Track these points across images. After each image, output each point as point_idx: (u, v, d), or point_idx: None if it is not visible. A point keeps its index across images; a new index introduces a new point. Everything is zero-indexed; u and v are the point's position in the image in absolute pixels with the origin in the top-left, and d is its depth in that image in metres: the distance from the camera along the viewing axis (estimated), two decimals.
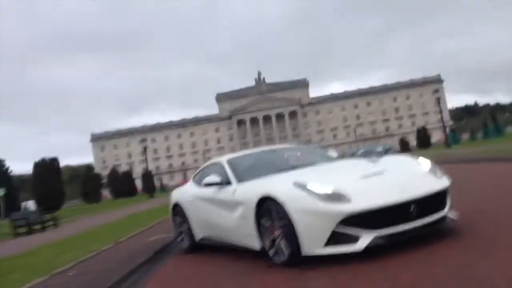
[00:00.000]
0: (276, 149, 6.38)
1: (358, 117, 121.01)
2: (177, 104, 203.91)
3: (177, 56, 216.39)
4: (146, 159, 44.71)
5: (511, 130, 72.65)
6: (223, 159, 5.72)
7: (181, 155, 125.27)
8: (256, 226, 4.38)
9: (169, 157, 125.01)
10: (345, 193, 3.91)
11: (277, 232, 4.12)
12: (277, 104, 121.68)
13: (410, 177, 4.30)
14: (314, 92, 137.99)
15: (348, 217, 3.76)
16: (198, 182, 6.00)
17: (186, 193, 6.17)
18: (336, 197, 3.89)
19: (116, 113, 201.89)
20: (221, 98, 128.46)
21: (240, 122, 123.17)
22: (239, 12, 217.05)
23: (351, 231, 3.78)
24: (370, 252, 3.75)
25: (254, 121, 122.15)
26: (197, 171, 6.46)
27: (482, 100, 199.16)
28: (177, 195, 6.45)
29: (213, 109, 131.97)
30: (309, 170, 4.99)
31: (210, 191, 5.37)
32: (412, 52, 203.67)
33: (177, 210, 6.25)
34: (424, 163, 4.65)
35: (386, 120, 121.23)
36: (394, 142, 79.12)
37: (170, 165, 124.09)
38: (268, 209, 4.22)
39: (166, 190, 57.07)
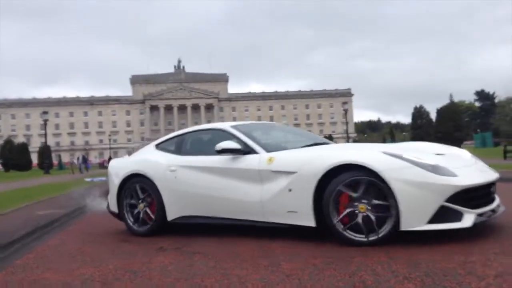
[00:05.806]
0: (272, 124, 5.98)
1: (271, 118, 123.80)
2: (92, 82, 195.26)
3: (102, 33, 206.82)
4: (45, 133, 41.86)
5: None
6: (225, 125, 4.92)
7: (86, 133, 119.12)
8: (313, 200, 3.84)
9: (71, 134, 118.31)
10: (448, 167, 3.60)
11: (362, 206, 3.62)
12: (195, 94, 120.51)
13: (474, 161, 4.17)
14: (233, 89, 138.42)
15: (457, 192, 3.45)
16: (177, 150, 5.10)
17: (156, 161, 5.03)
18: (442, 169, 3.55)
19: (25, 84, 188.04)
20: (136, 80, 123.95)
21: (154, 108, 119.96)
22: (176, 3, 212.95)
23: (455, 207, 3.48)
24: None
25: (168, 108, 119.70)
26: (168, 137, 5.46)
27: (385, 118, 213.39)
28: (135, 165, 5.17)
29: (128, 92, 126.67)
30: (353, 145, 4.68)
31: (216, 160, 4.53)
32: (332, 66, 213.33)
33: (134, 183, 5.05)
34: (467, 152, 4.52)
35: (296, 125, 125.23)
36: None
37: (72, 143, 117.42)
38: (343, 180, 3.67)
39: (64, 168, 53.89)
